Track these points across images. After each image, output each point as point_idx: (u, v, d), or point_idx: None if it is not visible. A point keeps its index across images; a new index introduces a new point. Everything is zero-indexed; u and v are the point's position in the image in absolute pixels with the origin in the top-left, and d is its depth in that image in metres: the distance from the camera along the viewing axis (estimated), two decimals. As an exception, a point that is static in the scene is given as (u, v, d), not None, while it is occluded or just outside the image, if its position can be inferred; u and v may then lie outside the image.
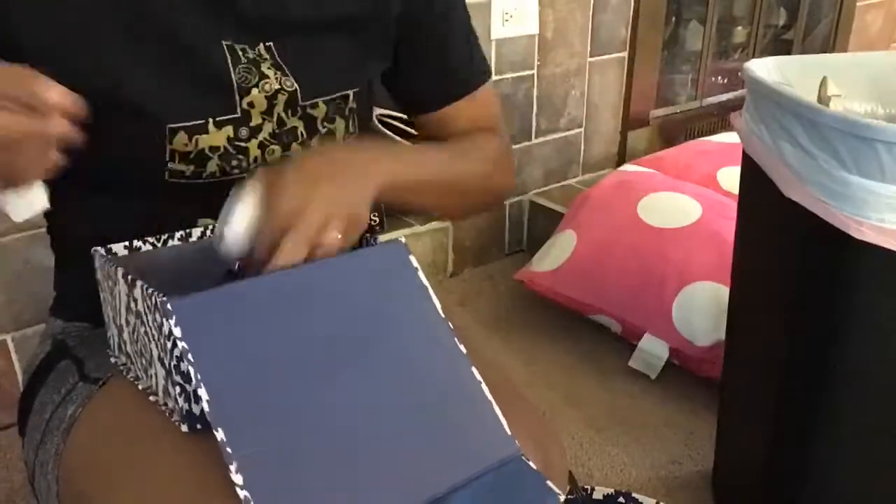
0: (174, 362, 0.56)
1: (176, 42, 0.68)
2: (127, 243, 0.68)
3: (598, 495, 1.28)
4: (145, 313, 0.59)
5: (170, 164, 0.70)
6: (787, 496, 1.06)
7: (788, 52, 2.77)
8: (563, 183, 2.21)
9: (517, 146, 2.06)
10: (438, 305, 0.63)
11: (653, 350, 1.58)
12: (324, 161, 0.67)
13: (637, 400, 1.56)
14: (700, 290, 1.56)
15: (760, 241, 1.08)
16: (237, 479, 0.49)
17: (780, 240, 1.00)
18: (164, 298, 0.53)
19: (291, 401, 0.54)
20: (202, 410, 0.53)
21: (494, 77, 1.92)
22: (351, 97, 0.79)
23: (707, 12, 2.41)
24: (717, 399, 1.29)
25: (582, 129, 2.20)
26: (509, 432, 0.59)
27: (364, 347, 0.59)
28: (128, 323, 0.65)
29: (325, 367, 0.56)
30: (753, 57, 2.19)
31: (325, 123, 0.78)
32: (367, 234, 0.69)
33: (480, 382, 0.61)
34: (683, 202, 1.73)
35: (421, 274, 0.64)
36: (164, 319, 0.53)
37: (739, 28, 2.65)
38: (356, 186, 0.66)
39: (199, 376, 0.52)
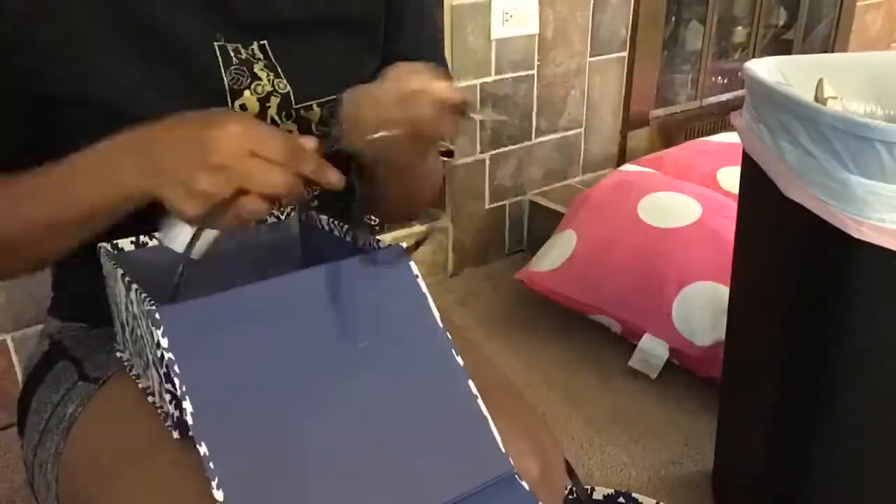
0: (164, 370, 0.55)
1: (167, 43, 0.68)
2: (133, 238, 0.68)
3: (598, 495, 1.28)
4: (140, 317, 0.58)
5: None
6: (787, 496, 1.06)
7: (788, 52, 2.77)
8: (563, 183, 2.21)
9: (517, 146, 2.06)
10: (438, 315, 0.61)
11: (653, 350, 1.58)
12: None
13: (637, 400, 1.56)
14: (700, 290, 1.56)
15: (760, 241, 1.08)
16: (218, 495, 0.48)
17: (780, 240, 1.00)
18: (153, 307, 0.52)
19: (280, 414, 0.53)
20: None
21: (494, 77, 1.92)
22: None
23: (707, 12, 2.42)
24: (717, 399, 1.29)
25: (582, 129, 2.20)
26: (503, 450, 0.58)
27: (359, 358, 0.57)
28: (127, 323, 0.65)
29: (318, 378, 0.55)
30: (753, 57, 2.20)
31: (321, 127, 0.77)
32: (370, 238, 0.69)
33: (476, 397, 0.59)
34: (683, 202, 1.73)
35: (422, 282, 0.62)
36: (153, 328, 0.52)
37: (739, 28, 2.65)
38: None
39: (183, 388, 0.50)
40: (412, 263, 0.62)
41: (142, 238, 0.68)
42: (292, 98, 0.74)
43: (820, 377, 0.95)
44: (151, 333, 0.54)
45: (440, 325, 0.61)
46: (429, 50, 0.86)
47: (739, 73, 1.03)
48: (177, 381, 0.51)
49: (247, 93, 0.72)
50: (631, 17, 2.15)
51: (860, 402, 0.95)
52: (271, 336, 0.55)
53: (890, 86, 1.08)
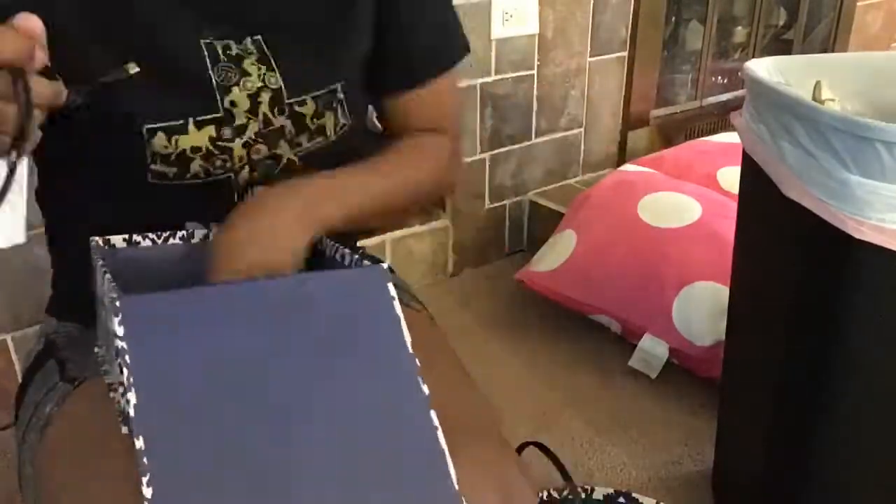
0: (119, 360, 0.54)
1: (153, 41, 0.68)
2: (126, 236, 0.67)
3: (598, 495, 1.28)
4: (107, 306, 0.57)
5: (151, 166, 0.70)
6: (787, 496, 1.06)
7: (788, 52, 2.77)
8: (563, 183, 2.21)
9: (517, 146, 2.06)
10: (409, 339, 0.59)
11: (653, 350, 1.58)
12: (248, 230, 0.67)
13: (637, 400, 1.56)
14: (700, 290, 1.56)
15: (760, 241, 1.08)
16: (147, 492, 0.47)
17: (780, 240, 1.00)
18: (114, 295, 0.51)
19: (227, 422, 0.51)
20: None
21: (494, 76, 1.92)
22: (339, 89, 0.77)
23: (707, 12, 2.41)
24: (717, 399, 1.29)
25: (582, 129, 2.20)
26: (455, 487, 0.55)
27: (318, 375, 0.55)
28: (102, 315, 0.64)
29: (272, 390, 0.53)
30: (753, 57, 2.19)
31: (315, 120, 0.76)
32: (358, 248, 0.68)
33: (437, 429, 0.56)
34: (683, 202, 1.73)
35: (396, 304, 0.59)
36: (112, 316, 0.51)
37: (739, 28, 2.65)
38: (280, 251, 0.66)
39: (131, 379, 0.49)
40: (390, 285, 0.60)
41: (135, 237, 0.68)
42: (284, 92, 0.74)
43: (820, 377, 0.95)
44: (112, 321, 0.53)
45: (409, 350, 0.59)
46: (431, 35, 0.84)
47: (739, 73, 1.03)
48: (126, 372, 0.50)
49: (235, 89, 0.71)
50: (631, 17, 2.15)
51: (860, 401, 0.95)
52: (232, 340, 0.53)
53: (889, 86, 1.08)
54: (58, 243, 0.83)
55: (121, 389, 0.57)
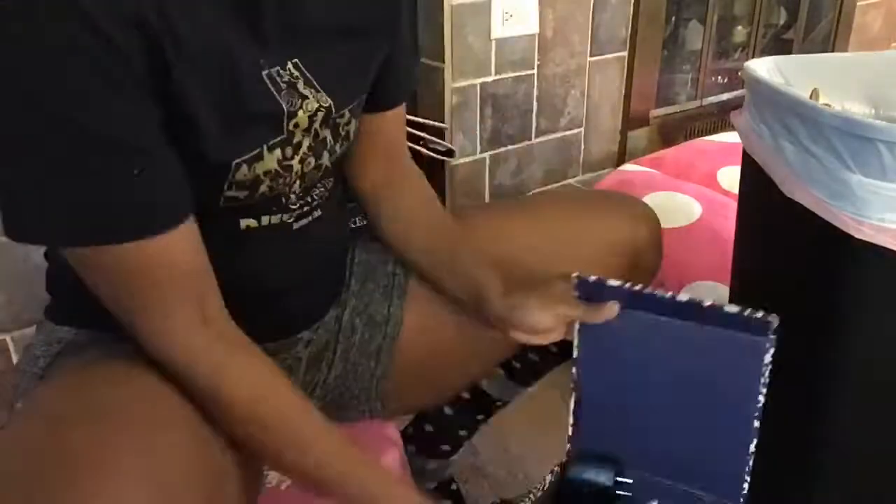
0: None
1: (227, 81, 0.67)
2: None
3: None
4: None
5: (227, 192, 0.72)
6: (786, 496, 1.06)
7: (788, 52, 2.77)
8: (563, 183, 2.21)
9: (517, 146, 2.06)
10: (762, 400, 0.84)
11: (653, 350, 1.58)
12: None
13: (637, 400, 1.56)
14: (700, 290, 1.56)
15: (760, 241, 1.08)
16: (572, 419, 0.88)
17: (780, 240, 1.00)
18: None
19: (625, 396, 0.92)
20: None
21: (494, 76, 1.92)
22: (363, 97, 0.83)
23: (707, 12, 2.41)
24: (718, 399, 1.28)
25: (582, 129, 2.20)
26: (746, 489, 0.85)
27: (676, 397, 0.88)
28: None
29: (648, 401, 0.91)
30: (753, 57, 2.19)
31: (346, 127, 0.81)
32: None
33: (753, 440, 0.88)
34: (683, 202, 1.73)
35: (768, 371, 0.80)
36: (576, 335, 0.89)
37: (739, 28, 2.65)
38: None
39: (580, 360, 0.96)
40: (768, 356, 0.81)
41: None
42: (333, 109, 0.77)
43: (820, 377, 0.95)
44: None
45: (760, 404, 0.84)
46: (410, 52, 0.92)
47: (739, 73, 1.03)
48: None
49: (300, 112, 0.74)
50: (631, 17, 2.15)
51: (860, 402, 0.95)
52: (639, 356, 0.89)
53: (889, 86, 1.08)
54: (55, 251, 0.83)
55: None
